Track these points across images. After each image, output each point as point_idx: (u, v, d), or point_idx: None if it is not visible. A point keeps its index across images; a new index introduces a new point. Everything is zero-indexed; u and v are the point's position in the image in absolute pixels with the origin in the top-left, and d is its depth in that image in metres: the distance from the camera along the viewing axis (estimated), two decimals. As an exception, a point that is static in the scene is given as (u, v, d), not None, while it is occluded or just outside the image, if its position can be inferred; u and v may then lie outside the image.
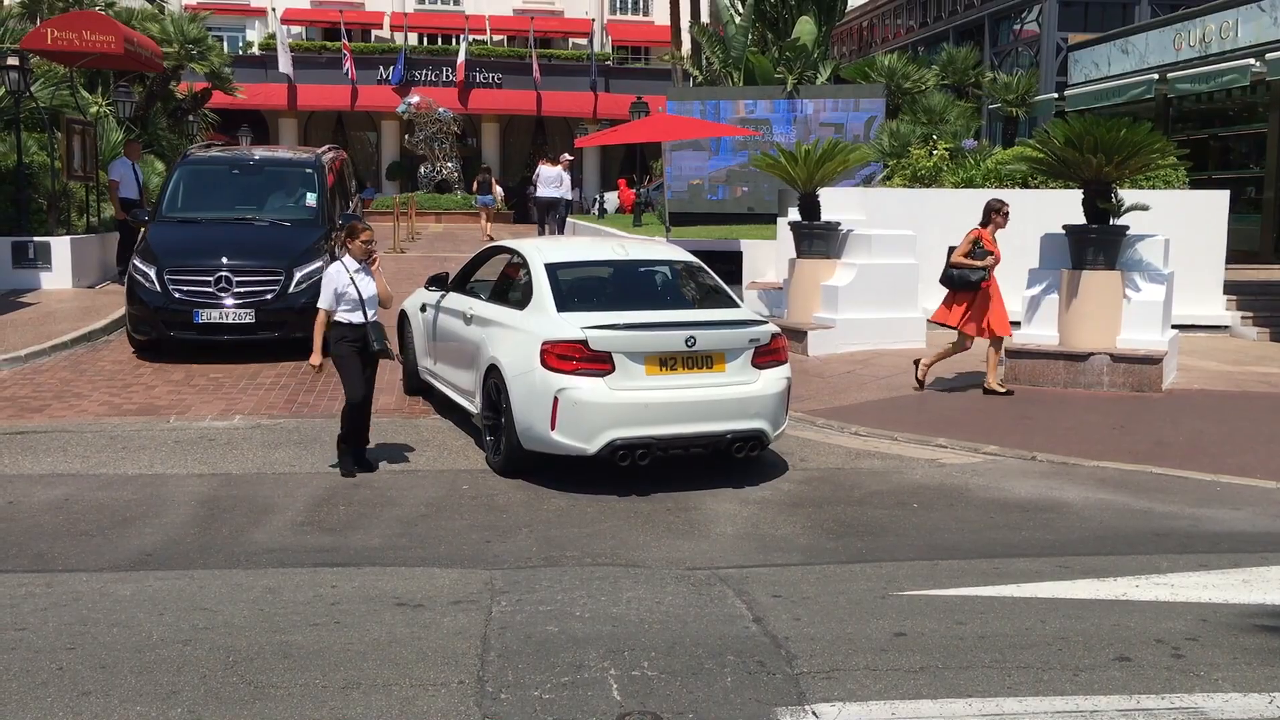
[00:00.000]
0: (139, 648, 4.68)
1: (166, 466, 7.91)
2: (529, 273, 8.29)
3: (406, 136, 38.99)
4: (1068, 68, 24.88)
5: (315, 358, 7.98)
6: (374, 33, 48.39)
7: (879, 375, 11.35)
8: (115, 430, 8.88)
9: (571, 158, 26.86)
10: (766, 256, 16.35)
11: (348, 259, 7.98)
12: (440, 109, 37.42)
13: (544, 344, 7.51)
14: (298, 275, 11.66)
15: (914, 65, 24.69)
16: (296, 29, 47.93)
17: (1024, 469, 8.18)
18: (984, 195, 14.45)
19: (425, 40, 48.86)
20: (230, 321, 11.48)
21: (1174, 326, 11.57)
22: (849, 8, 32.14)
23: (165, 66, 21.43)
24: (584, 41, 47.69)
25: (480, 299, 8.82)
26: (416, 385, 10.21)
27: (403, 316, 10.54)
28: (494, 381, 7.96)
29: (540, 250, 8.47)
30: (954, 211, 14.20)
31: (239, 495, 7.23)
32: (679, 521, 6.87)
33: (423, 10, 48.61)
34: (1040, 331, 11.12)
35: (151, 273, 11.55)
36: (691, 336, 7.59)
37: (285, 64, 43.01)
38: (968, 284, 10.15)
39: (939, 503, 7.31)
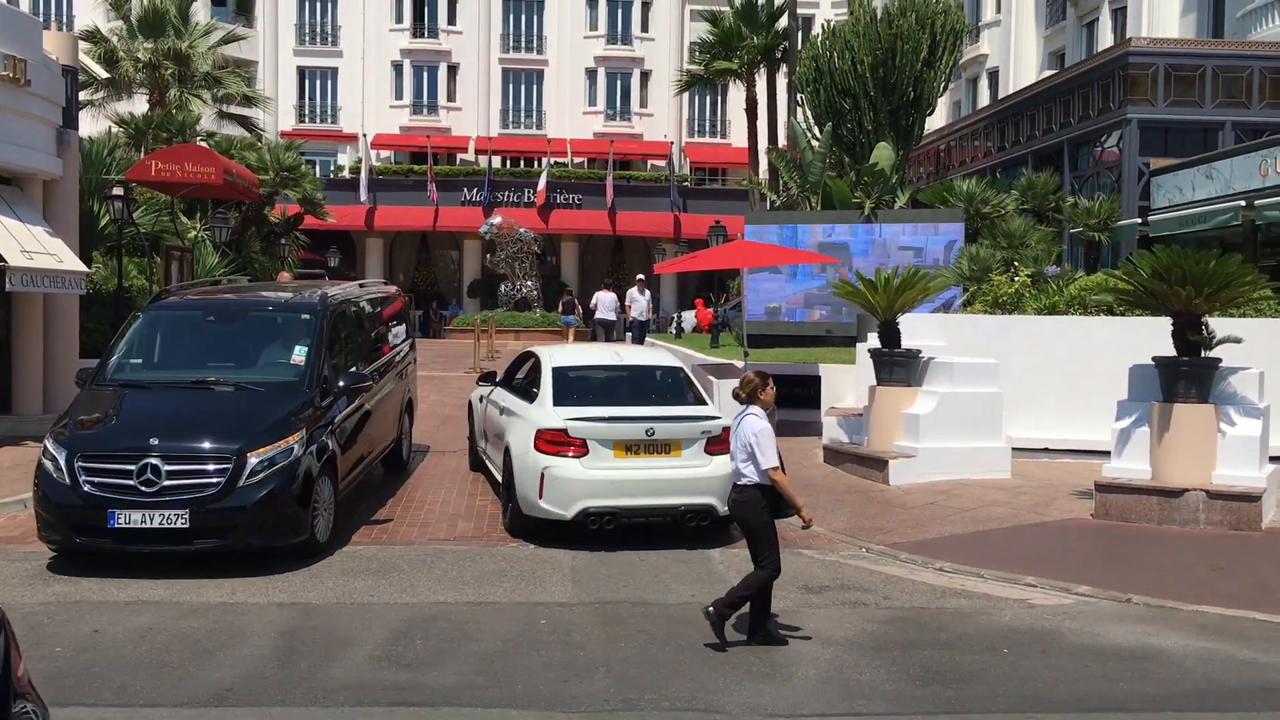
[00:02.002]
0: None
1: (248, 594, 7.98)
2: (540, 373, 10.62)
3: (488, 255, 39.95)
4: (1150, 192, 24.73)
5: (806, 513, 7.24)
6: (459, 156, 50.03)
7: (963, 507, 11.13)
8: (188, 550, 8.99)
9: (643, 277, 27.36)
10: (845, 382, 16.27)
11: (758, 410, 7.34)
12: (521, 229, 38.34)
13: (537, 431, 9.78)
14: (253, 461, 8.54)
15: (993, 190, 24.73)
16: (386, 153, 49.77)
17: (1119, 612, 7.89)
18: (1069, 322, 14.34)
19: (508, 163, 50.36)
20: (155, 526, 8.29)
21: (1272, 459, 11.20)
22: (926, 132, 32.46)
23: (260, 194, 22.31)
24: (663, 163, 48.70)
25: (510, 394, 11.19)
26: (475, 461, 12.93)
27: (469, 405, 13.40)
28: (508, 460, 10.23)
29: (552, 356, 10.91)
30: (1038, 338, 14.04)
31: (318, 627, 7.25)
32: (759, 663, 6.72)
33: (506, 134, 50.22)
34: (1131, 465, 10.83)
35: (61, 458, 8.58)
36: (651, 428, 9.73)
37: (365, 188, 44.62)
38: None
39: (1031, 648, 7.06)
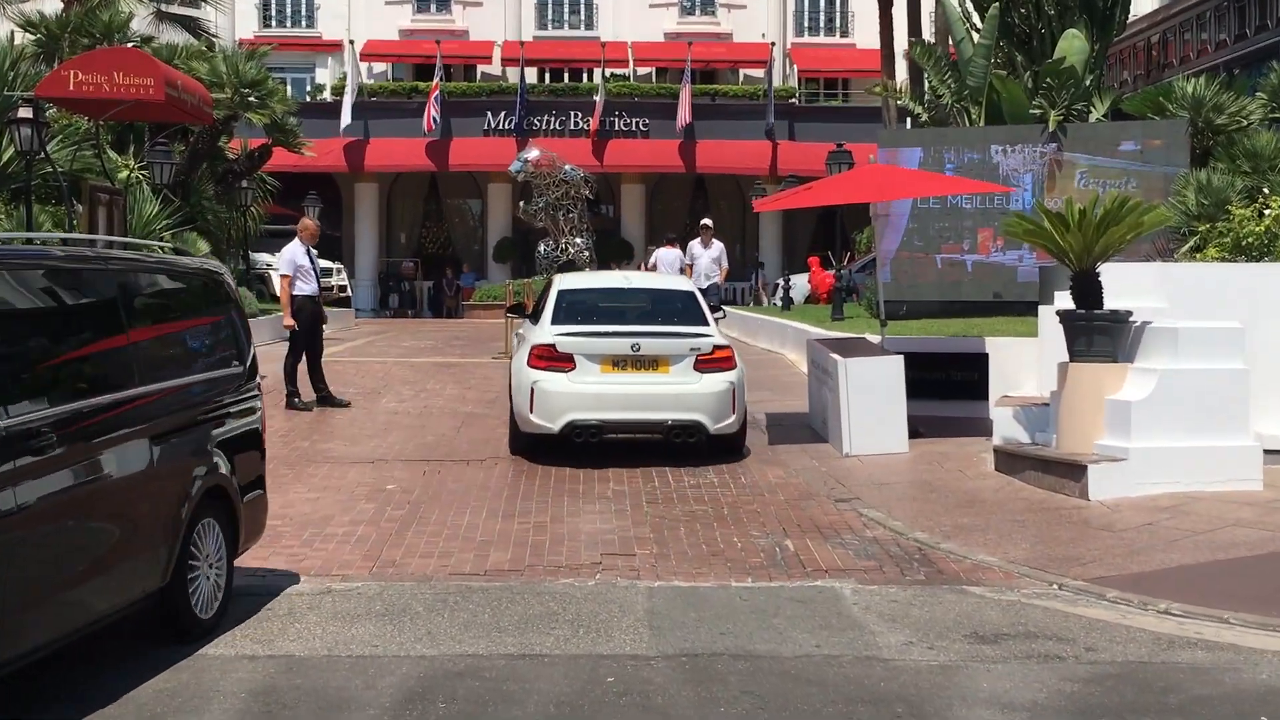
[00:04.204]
0: None
1: (208, 644, 8.09)
2: (548, 295, 14.93)
3: (521, 204, 40.14)
4: None
5: None
6: (480, 69, 50.38)
7: (1195, 529, 10.94)
8: (141, 594, 9.12)
9: (708, 223, 27.12)
10: (1023, 359, 16.10)
11: None
12: (566, 166, 38.48)
13: (531, 347, 13.89)
14: None
15: (1229, 93, 24.29)
16: (381, 67, 50.29)
17: None
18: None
19: (547, 77, 50.64)
20: None
21: None
22: (1131, 19, 31.95)
23: (215, 117, 22.66)
24: (760, 73, 48.65)
25: (528, 320, 15.42)
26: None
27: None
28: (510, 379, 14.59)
29: (562, 280, 15.95)
30: (1300, 295, 13.72)
31: (304, 687, 7.33)
32: (914, 734, 6.66)
33: (544, 38, 50.24)
34: None
35: None
36: (636, 343, 13.71)
37: (349, 112, 44.84)
38: None
39: (1300, 716, 6.92)
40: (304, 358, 17.33)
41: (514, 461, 14.11)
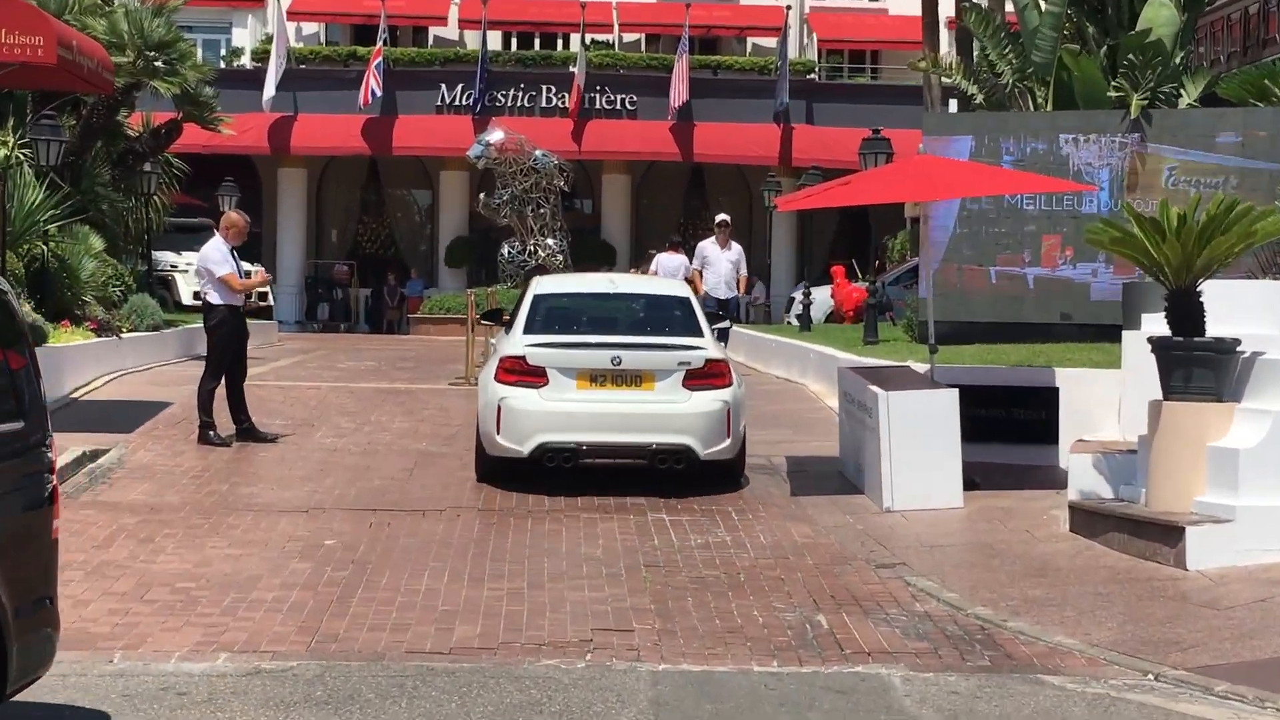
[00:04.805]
0: None
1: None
2: (524, 300, 15.89)
3: (481, 197, 40.21)
4: None
5: None
6: (431, 31, 50.33)
7: (1320, 607, 10.89)
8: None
9: (725, 219, 27.01)
10: (1101, 395, 16.07)
11: None
12: (537, 151, 38.51)
13: (499, 359, 14.95)
14: None
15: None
16: (311, 28, 50.21)
17: None
18: None
19: (514, 43, 50.59)
20: None
21: None
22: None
23: (115, 85, 22.54)
24: (772, 42, 48.72)
25: (503, 329, 16.42)
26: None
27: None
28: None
29: (540, 283, 16.72)
30: None
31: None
32: None
33: (511, -4, 50.02)
34: None
35: None
36: (617, 356, 14.43)
37: (273, 81, 44.69)
38: None
39: None
40: (223, 382, 17.18)
41: (480, 514, 14.04)
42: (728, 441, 14.73)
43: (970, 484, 14.63)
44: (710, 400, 14.57)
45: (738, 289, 26.22)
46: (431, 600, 11.02)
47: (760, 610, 10.84)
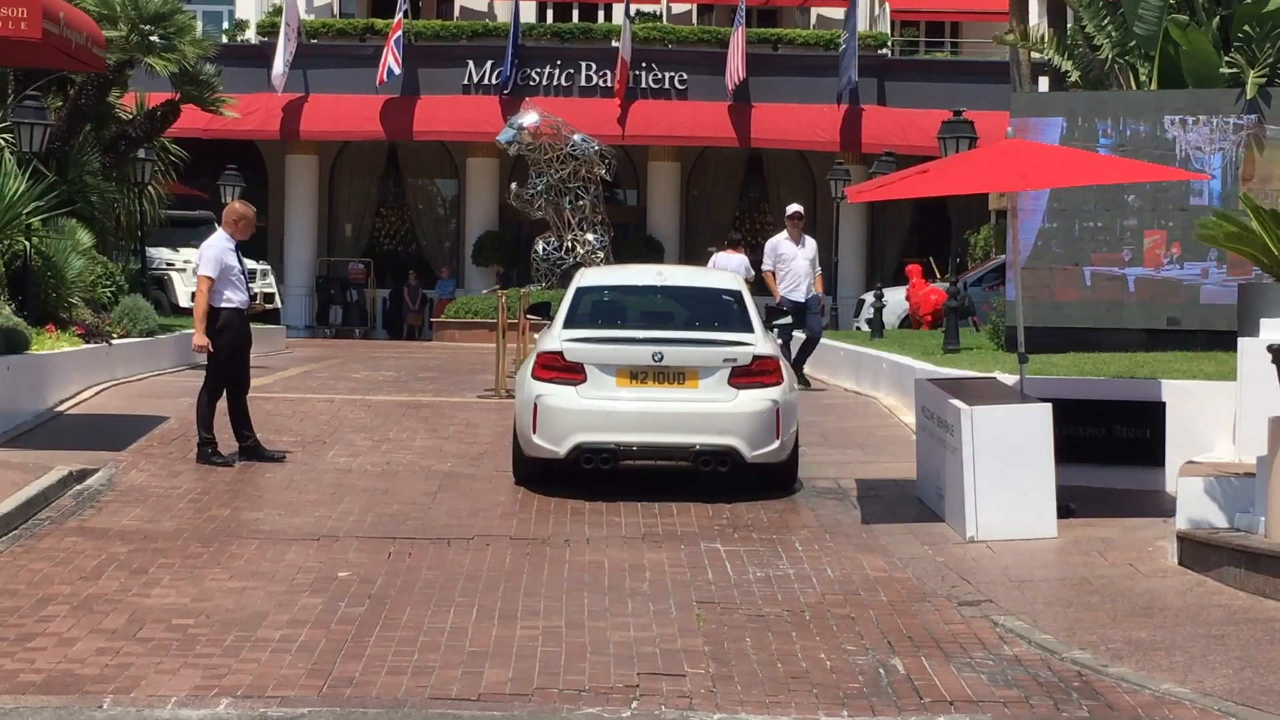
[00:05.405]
0: None
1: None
2: (567, 293, 17.03)
3: (513, 186, 40.26)
4: None
5: None
6: (459, 3, 50.41)
7: None
8: (4, 720, 9.00)
9: (798, 210, 26.73)
10: (1215, 411, 15.99)
11: None
12: (576, 136, 38.52)
13: (537, 355, 15.95)
14: None
15: None
16: (323, 1, 50.31)
17: None
18: None
19: (549, 14, 50.60)
20: None
21: None
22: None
23: (106, 62, 22.63)
24: (839, 14, 48.59)
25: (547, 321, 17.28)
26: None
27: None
28: None
29: (584, 275, 18.11)
30: None
31: None
32: None
33: (548, -38, 50.13)
34: None
35: None
36: (659, 352, 15.32)
37: (282, 59, 44.79)
38: None
39: None
40: (225, 394, 17.19)
41: (512, 543, 14.01)
42: (776, 444, 15.47)
43: (1065, 511, 14.55)
44: (757, 399, 15.38)
45: (816, 287, 25.93)
46: (458, 640, 10.97)
47: (828, 653, 10.78)
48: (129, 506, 15.12)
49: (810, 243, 25.95)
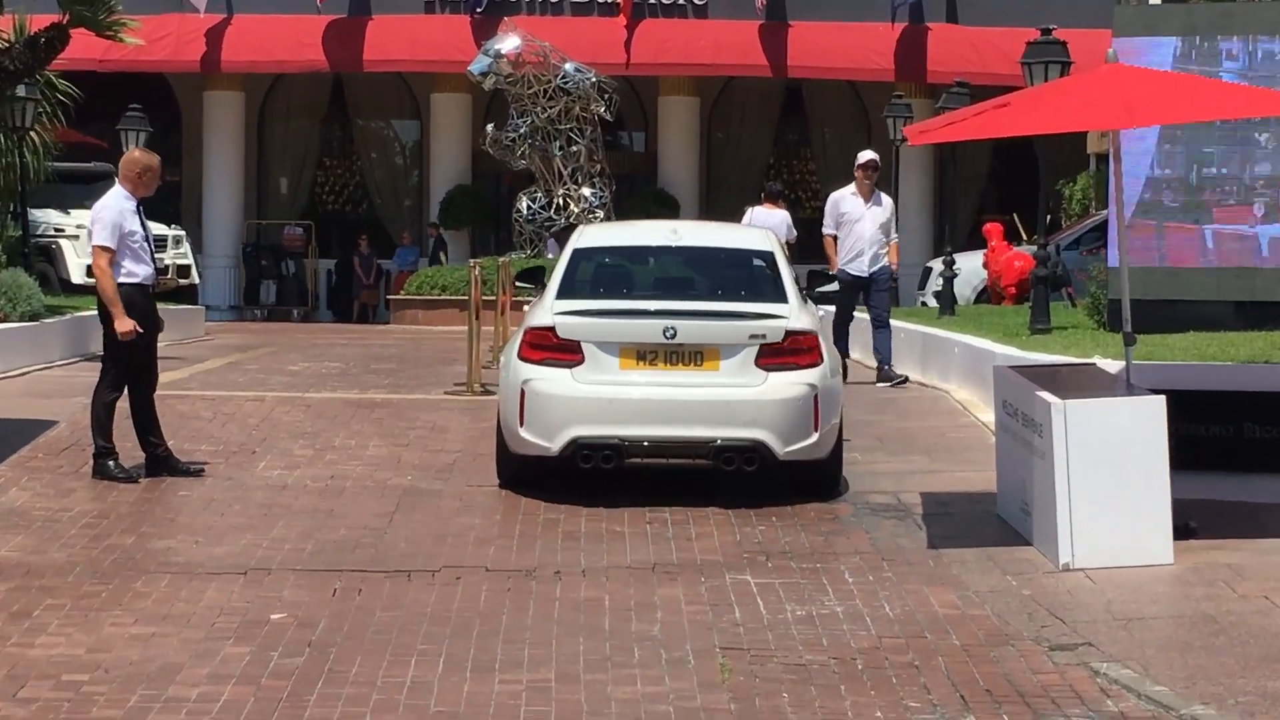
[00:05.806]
0: None
1: None
2: (563, 255, 17.23)
3: (489, 129, 40.22)
4: None
5: None
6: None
7: None
8: None
9: (872, 158, 26.52)
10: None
11: None
12: (567, 64, 38.50)
13: (524, 332, 16.01)
14: None
15: None
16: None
17: None
18: None
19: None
20: None
21: None
22: None
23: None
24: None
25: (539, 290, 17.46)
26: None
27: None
28: None
29: (583, 234, 18.30)
30: None
31: None
32: None
33: None
34: None
35: None
36: (671, 327, 15.25)
37: None
38: None
39: None
40: (127, 392, 17.19)
41: (489, 575, 13.99)
42: (814, 437, 15.64)
43: (1184, 531, 14.54)
44: (790, 383, 15.52)
45: (891, 257, 25.60)
46: (420, 698, 10.91)
47: (886, 710, 10.77)
48: (7, 533, 15.14)
49: (886, 201, 25.81)
